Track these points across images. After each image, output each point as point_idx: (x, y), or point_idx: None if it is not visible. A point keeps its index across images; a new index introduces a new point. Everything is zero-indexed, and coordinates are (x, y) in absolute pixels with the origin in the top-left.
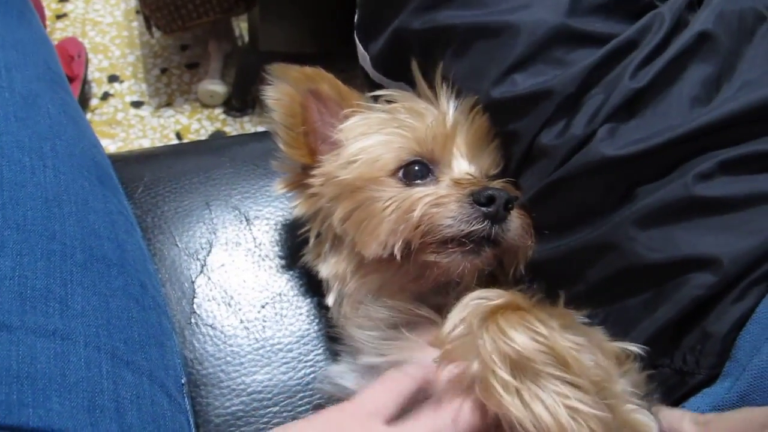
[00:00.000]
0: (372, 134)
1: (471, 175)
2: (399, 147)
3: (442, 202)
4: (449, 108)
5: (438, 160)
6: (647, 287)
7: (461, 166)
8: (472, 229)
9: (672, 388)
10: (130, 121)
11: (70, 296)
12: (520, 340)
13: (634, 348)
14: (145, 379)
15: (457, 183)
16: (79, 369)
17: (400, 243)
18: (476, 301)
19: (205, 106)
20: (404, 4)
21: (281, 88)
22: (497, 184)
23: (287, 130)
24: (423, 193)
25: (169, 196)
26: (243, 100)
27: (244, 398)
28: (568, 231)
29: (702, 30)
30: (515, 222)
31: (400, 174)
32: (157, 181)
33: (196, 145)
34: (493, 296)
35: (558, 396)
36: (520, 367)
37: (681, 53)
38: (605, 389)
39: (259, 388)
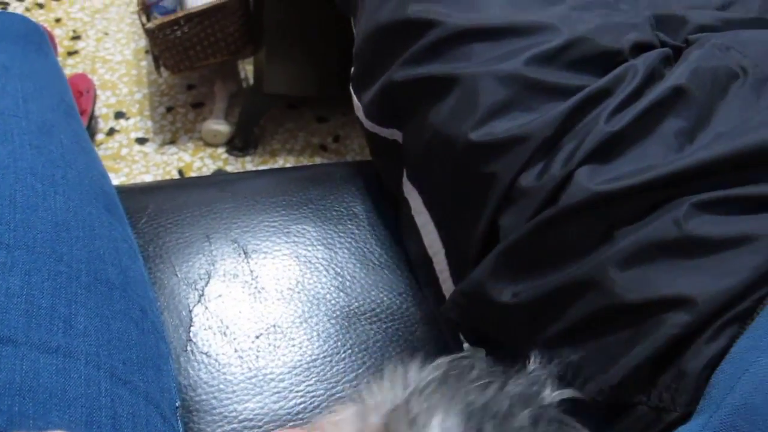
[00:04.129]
0: None
1: None
2: None
3: None
4: None
5: None
6: (626, 326)
7: None
8: None
9: (648, 425)
10: (134, 157)
11: (73, 316)
12: None
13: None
14: (141, 399)
15: None
16: (79, 385)
17: None
18: None
19: (208, 144)
20: (392, 61)
21: None
22: None
23: None
24: None
25: (170, 227)
26: (246, 140)
27: (235, 425)
28: (551, 269)
29: (677, 85)
30: None
31: None
32: (160, 213)
33: (199, 179)
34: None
35: None
36: None
37: (656, 104)
38: None
39: (251, 416)
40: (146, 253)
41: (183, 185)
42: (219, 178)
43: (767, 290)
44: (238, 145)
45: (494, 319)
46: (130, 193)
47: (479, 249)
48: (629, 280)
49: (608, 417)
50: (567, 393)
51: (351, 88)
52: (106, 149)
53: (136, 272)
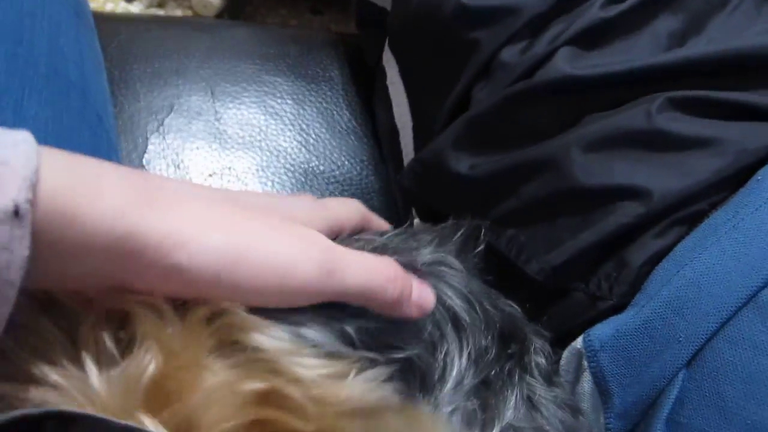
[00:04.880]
0: None
1: None
2: None
3: None
4: None
5: None
6: (577, 211)
7: None
8: None
9: (581, 311)
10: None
11: (26, 100)
12: None
13: None
14: None
15: None
16: None
17: None
18: None
19: (195, 14)
20: None
21: None
22: None
23: None
24: None
25: (141, 56)
26: (235, 17)
27: None
28: (513, 146)
29: None
30: None
31: None
32: (132, 41)
33: (176, 18)
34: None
35: None
36: None
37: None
38: None
39: None
40: (111, 76)
41: (159, 20)
42: (197, 20)
43: (723, 195)
44: (226, 20)
45: (447, 191)
46: (103, 19)
47: (447, 121)
48: (589, 164)
49: (542, 301)
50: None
51: None
52: (91, 1)
53: (98, 83)
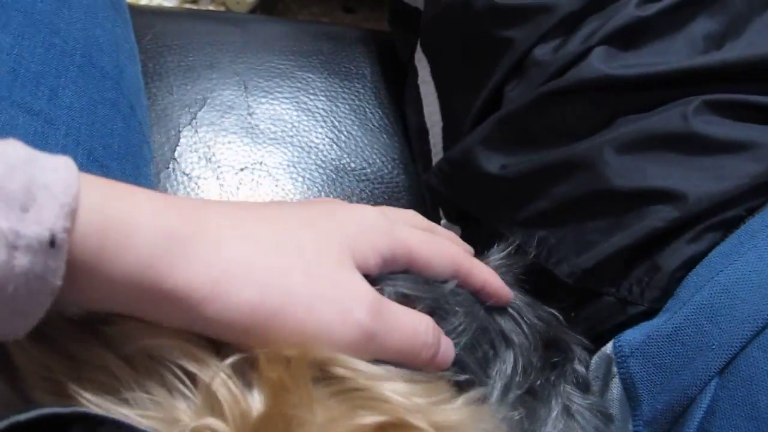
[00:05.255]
0: None
1: None
2: None
3: None
4: None
5: None
6: (609, 213)
7: None
8: None
9: (611, 315)
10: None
11: (61, 88)
12: None
13: None
14: None
15: None
16: (54, 153)
17: None
18: None
19: (228, 9)
20: None
21: None
22: None
23: None
24: None
25: (175, 49)
26: (268, 13)
27: None
28: (545, 146)
29: None
30: None
31: None
32: (166, 34)
33: (210, 12)
34: None
35: None
36: None
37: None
38: None
39: None
40: (145, 69)
41: (193, 15)
42: (231, 15)
43: (761, 201)
44: (260, 16)
45: (475, 191)
46: (139, 12)
47: (477, 120)
48: (623, 166)
49: (573, 304)
50: None
51: None
52: None
53: (131, 73)
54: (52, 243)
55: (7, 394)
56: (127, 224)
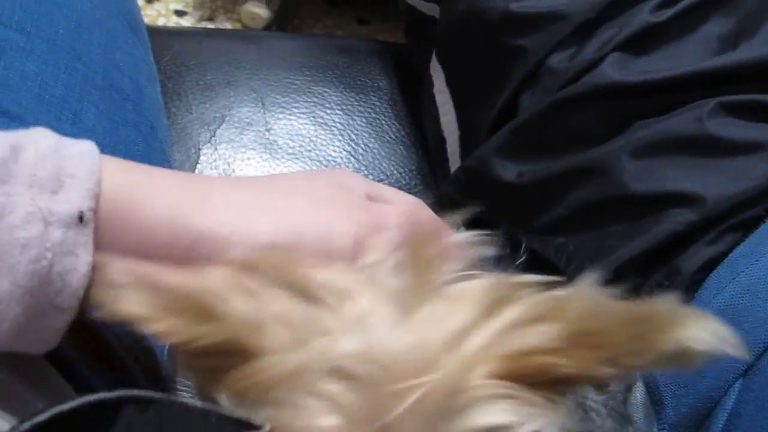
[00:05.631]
0: None
1: None
2: None
3: None
4: None
5: None
6: (627, 217)
7: None
8: None
9: None
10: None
11: (84, 112)
12: None
13: None
14: None
15: None
16: None
17: None
18: None
19: (245, 26)
20: None
21: None
22: None
23: None
24: None
25: (193, 68)
26: (283, 29)
27: None
28: (561, 153)
29: None
30: None
31: None
32: (184, 53)
33: (226, 31)
34: None
35: None
36: None
37: (705, 1)
38: None
39: None
40: (165, 88)
41: (210, 33)
42: (246, 32)
43: None
44: (276, 32)
45: (493, 199)
46: (157, 32)
47: (492, 129)
48: (640, 170)
49: None
50: None
51: None
52: (143, 17)
53: (151, 95)
54: (81, 219)
55: (12, 384)
56: (150, 183)
